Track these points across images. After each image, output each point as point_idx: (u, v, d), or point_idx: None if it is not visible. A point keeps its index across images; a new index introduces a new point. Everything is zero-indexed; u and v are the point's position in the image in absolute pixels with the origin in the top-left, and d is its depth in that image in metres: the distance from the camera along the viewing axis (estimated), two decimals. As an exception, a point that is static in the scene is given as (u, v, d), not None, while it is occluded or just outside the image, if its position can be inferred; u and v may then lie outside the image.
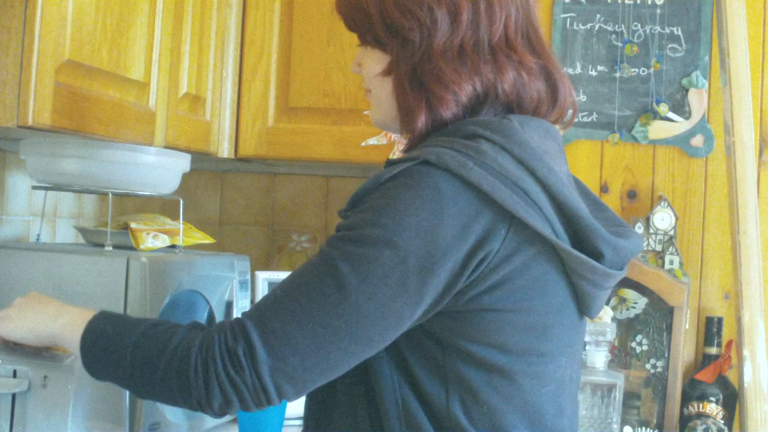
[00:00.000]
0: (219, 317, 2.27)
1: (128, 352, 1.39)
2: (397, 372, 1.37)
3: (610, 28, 2.59)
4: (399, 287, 1.31)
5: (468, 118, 1.41)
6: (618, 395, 2.41)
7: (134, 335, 1.40)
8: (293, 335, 1.31)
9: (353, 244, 1.33)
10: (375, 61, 1.47)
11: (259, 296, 2.51)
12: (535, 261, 1.36)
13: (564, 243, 1.36)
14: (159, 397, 1.40)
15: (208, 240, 2.37)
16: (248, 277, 2.38)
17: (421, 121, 1.41)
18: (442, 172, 1.32)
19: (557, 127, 1.49)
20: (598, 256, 1.39)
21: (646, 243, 2.56)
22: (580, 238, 1.38)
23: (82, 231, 2.28)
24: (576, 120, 2.59)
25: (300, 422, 2.41)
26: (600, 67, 2.59)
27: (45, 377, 1.67)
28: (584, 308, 1.44)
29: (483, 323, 1.35)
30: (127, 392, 1.85)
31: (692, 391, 2.50)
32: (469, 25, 1.41)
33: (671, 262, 2.54)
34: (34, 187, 2.19)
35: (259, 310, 1.35)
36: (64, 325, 1.51)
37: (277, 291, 1.36)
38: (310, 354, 1.31)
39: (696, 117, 2.56)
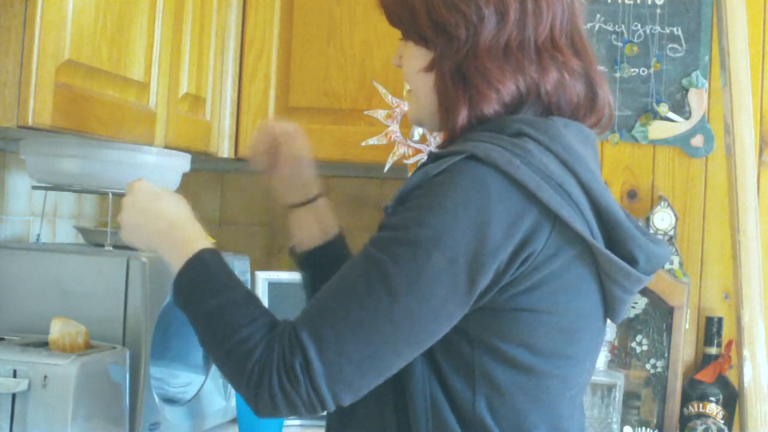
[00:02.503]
0: (219, 317, 2.26)
1: (205, 314, 1.41)
2: (428, 369, 1.37)
3: (610, 28, 2.59)
4: (450, 288, 1.31)
5: (509, 116, 1.41)
6: (618, 395, 2.41)
7: (217, 301, 1.40)
8: (347, 344, 1.30)
9: (402, 246, 1.31)
10: (417, 57, 1.46)
11: (259, 296, 2.50)
12: (574, 263, 1.36)
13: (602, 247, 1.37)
14: (217, 366, 1.41)
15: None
16: (248, 277, 2.38)
17: (462, 117, 1.41)
18: (489, 169, 1.32)
19: (595, 131, 1.49)
20: (632, 261, 1.40)
21: (646, 243, 2.56)
22: (616, 243, 1.39)
23: (82, 231, 2.28)
24: (576, 120, 2.59)
25: (299, 422, 2.41)
26: (600, 67, 2.59)
27: (45, 377, 1.67)
28: (611, 313, 1.45)
29: (517, 323, 1.35)
30: (127, 392, 1.85)
31: (692, 391, 2.50)
32: (516, 23, 1.41)
33: (671, 262, 2.54)
34: (34, 187, 2.19)
35: (312, 319, 1.33)
36: (167, 254, 1.55)
37: (327, 296, 1.34)
38: (365, 360, 1.31)
39: (696, 117, 2.56)
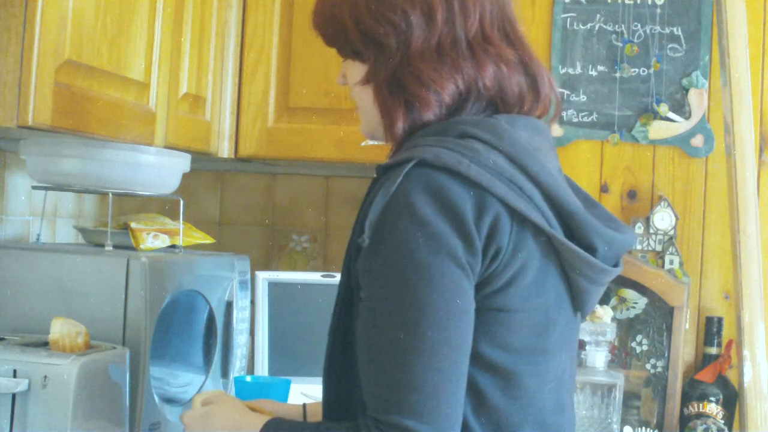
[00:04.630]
0: (219, 317, 2.27)
1: None
2: None
3: (610, 28, 2.59)
4: (459, 295, 1.31)
5: (452, 118, 1.41)
6: (618, 395, 2.41)
7: None
8: (433, 391, 1.30)
9: (394, 286, 1.31)
10: (356, 72, 1.48)
11: (259, 296, 2.50)
12: (537, 257, 1.36)
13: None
14: None
15: (208, 240, 2.37)
16: (248, 277, 2.38)
17: (402, 123, 1.41)
18: (440, 172, 1.32)
19: (544, 122, 1.49)
20: (592, 251, 1.40)
21: (646, 243, 2.56)
22: (574, 233, 1.39)
23: (82, 231, 2.28)
24: (576, 120, 2.59)
25: (300, 422, 2.41)
26: (600, 67, 2.59)
27: (45, 377, 1.67)
28: (579, 304, 1.45)
29: (491, 323, 1.35)
30: (127, 392, 1.85)
31: (692, 391, 2.50)
32: (445, 23, 1.41)
33: (671, 262, 2.54)
34: (34, 187, 2.19)
35: (384, 398, 1.31)
36: None
37: (374, 371, 1.32)
38: (450, 390, 1.31)
39: (696, 117, 2.56)
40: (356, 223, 1.39)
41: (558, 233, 1.37)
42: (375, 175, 1.40)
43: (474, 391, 1.35)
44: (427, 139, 1.38)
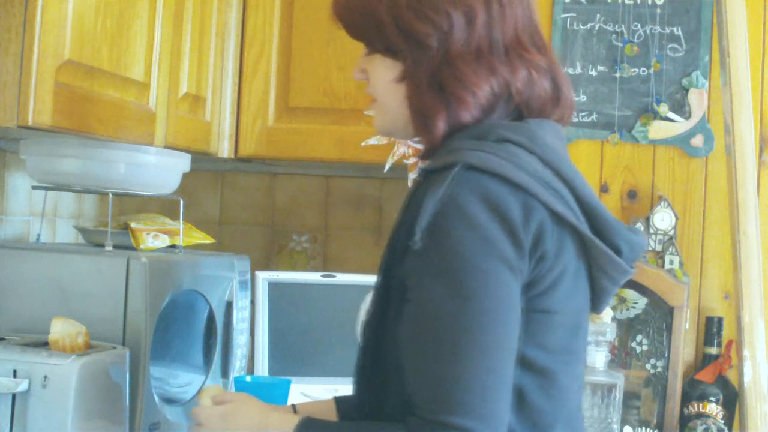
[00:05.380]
0: (219, 317, 2.27)
1: None
2: None
3: (610, 28, 2.59)
4: (509, 294, 1.34)
5: (485, 121, 1.42)
6: (618, 395, 2.41)
7: None
8: (486, 391, 1.31)
9: (452, 287, 1.32)
10: (386, 68, 1.47)
11: (259, 296, 2.50)
12: (574, 259, 1.40)
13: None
14: None
15: (208, 240, 2.37)
16: (248, 277, 2.38)
17: (442, 124, 1.42)
18: (488, 176, 1.34)
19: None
20: (618, 252, 1.44)
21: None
22: (600, 235, 1.42)
23: (82, 231, 2.28)
24: (576, 120, 2.59)
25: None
26: (600, 67, 2.59)
27: (45, 377, 1.67)
28: (597, 305, 1.49)
29: (533, 325, 1.38)
30: (127, 392, 1.85)
31: (692, 391, 2.50)
32: (484, 26, 1.43)
33: (671, 262, 2.54)
34: (34, 187, 2.19)
35: (438, 398, 1.32)
36: None
37: (427, 371, 1.33)
38: (501, 389, 1.33)
39: (696, 117, 2.56)
40: (401, 226, 1.39)
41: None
42: (420, 177, 1.41)
43: (515, 390, 1.37)
44: (468, 142, 1.39)
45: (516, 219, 1.33)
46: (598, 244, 1.40)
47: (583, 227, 1.39)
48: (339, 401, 1.66)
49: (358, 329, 1.50)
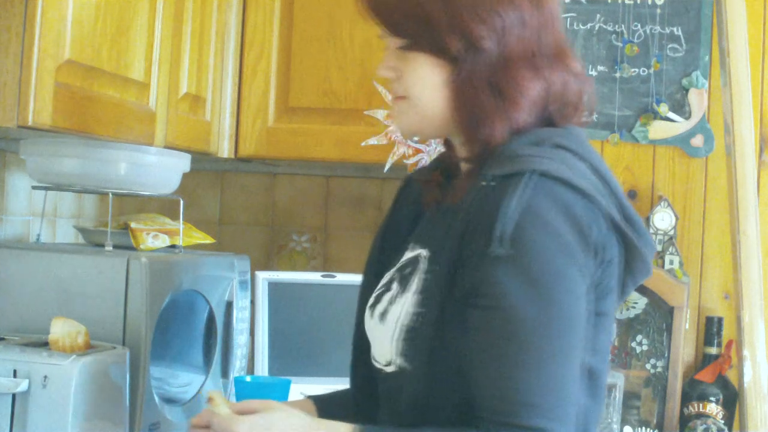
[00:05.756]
0: (219, 317, 2.27)
1: None
2: None
3: (610, 28, 2.59)
4: (582, 299, 1.37)
5: (530, 125, 1.44)
6: (618, 395, 2.41)
7: None
8: (564, 393, 1.34)
9: (536, 292, 1.34)
10: (430, 68, 1.44)
11: (259, 296, 2.50)
12: (620, 264, 1.44)
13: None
14: None
15: (208, 240, 2.37)
16: (248, 277, 2.38)
17: (499, 128, 1.41)
18: (559, 184, 1.36)
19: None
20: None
21: (646, 243, 2.56)
22: (636, 241, 1.46)
23: (82, 231, 2.28)
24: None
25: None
26: (600, 67, 2.59)
27: (45, 377, 1.67)
28: (617, 307, 1.58)
29: (590, 327, 1.40)
30: (127, 392, 1.85)
31: (692, 391, 2.50)
32: (535, 28, 1.43)
33: (671, 262, 2.54)
34: (34, 187, 2.19)
35: (518, 401, 1.33)
36: None
37: (504, 375, 1.34)
38: (574, 391, 1.36)
39: (696, 117, 2.56)
40: (472, 233, 1.37)
41: None
42: (485, 183, 1.39)
43: None
44: (530, 148, 1.40)
45: (586, 226, 1.36)
46: (640, 250, 1.43)
47: (631, 234, 1.42)
48: (318, 400, 1.64)
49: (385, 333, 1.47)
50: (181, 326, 2.17)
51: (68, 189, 2.15)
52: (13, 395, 1.66)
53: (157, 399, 2.00)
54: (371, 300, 1.55)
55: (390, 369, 1.46)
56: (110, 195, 2.09)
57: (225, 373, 2.29)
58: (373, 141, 2.42)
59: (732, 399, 2.48)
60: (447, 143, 1.57)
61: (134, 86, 2.02)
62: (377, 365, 1.51)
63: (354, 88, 2.54)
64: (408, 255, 1.53)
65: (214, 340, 2.27)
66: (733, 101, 2.43)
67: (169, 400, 2.08)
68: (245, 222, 2.94)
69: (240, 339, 2.33)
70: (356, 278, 2.53)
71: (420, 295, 1.43)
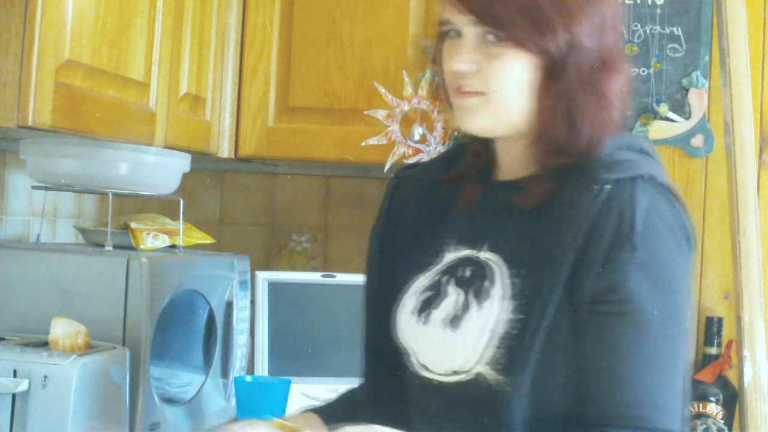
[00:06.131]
0: (219, 317, 2.27)
1: None
2: None
3: (610, 28, 2.59)
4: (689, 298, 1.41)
5: (627, 133, 1.48)
6: (618, 395, 2.41)
7: None
8: (681, 393, 1.37)
9: (669, 296, 1.37)
10: (521, 64, 1.39)
11: (259, 296, 2.50)
12: None
13: None
14: None
15: (208, 240, 2.37)
16: (248, 277, 2.38)
17: (600, 131, 1.41)
18: (664, 188, 1.38)
19: None
20: None
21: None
22: None
23: (82, 231, 2.28)
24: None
25: (300, 422, 2.41)
26: (600, 67, 2.59)
27: (45, 377, 1.67)
28: None
29: None
30: (127, 392, 1.85)
31: (692, 391, 2.50)
32: (621, 33, 1.46)
33: (671, 262, 2.54)
34: (34, 187, 2.19)
35: (655, 406, 1.34)
36: None
37: (644, 379, 1.35)
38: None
39: (696, 117, 2.56)
40: (599, 236, 1.35)
41: None
42: (601, 186, 1.38)
43: None
44: (627, 153, 1.41)
45: (690, 229, 1.40)
46: None
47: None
48: (322, 412, 1.56)
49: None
50: (181, 326, 2.17)
51: (68, 189, 2.15)
52: (13, 395, 1.66)
53: (157, 399, 2.00)
54: (415, 304, 1.48)
55: (458, 378, 1.41)
56: (110, 195, 2.10)
57: (225, 373, 2.29)
58: (373, 141, 2.42)
59: (732, 399, 2.48)
60: (480, 142, 1.52)
61: (134, 86, 2.02)
62: (426, 373, 1.45)
63: (354, 88, 2.54)
64: (452, 256, 1.48)
65: (214, 340, 2.27)
66: (733, 101, 2.43)
67: (169, 400, 2.08)
68: (245, 222, 2.94)
69: (240, 339, 2.33)
70: (356, 278, 2.52)
71: (514, 301, 1.39)
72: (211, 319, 2.25)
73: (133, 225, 2.16)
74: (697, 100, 2.56)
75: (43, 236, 2.29)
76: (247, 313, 2.38)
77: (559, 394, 1.36)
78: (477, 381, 1.39)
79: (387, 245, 1.58)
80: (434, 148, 2.39)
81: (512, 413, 1.36)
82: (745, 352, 2.38)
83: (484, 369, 1.38)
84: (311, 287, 2.57)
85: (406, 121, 2.43)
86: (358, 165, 2.63)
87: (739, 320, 2.40)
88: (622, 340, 1.34)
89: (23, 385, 1.66)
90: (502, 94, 1.41)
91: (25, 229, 2.38)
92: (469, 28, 1.40)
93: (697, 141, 2.56)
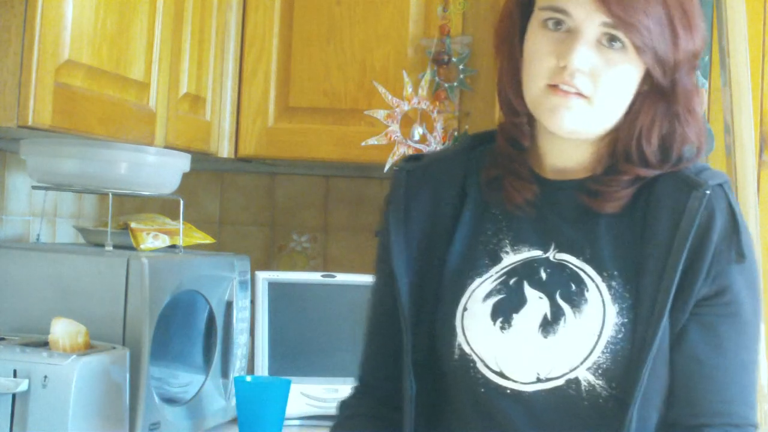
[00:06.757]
0: (219, 317, 2.27)
1: None
2: None
3: (610, 28, 2.58)
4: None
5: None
6: (618, 395, 2.40)
7: None
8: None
9: (759, 297, 1.43)
10: (635, 73, 1.39)
11: (259, 296, 2.50)
12: None
13: None
14: None
15: (208, 240, 2.37)
16: (248, 277, 2.38)
17: (702, 139, 1.45)
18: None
19: None
20: None
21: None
22: None
23: (82, 231, 2.28)
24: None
25: (300, 422, 2.41)
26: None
27: (45, 377, 1.67)
28: None
29: None
30: (127, 392, 1.85)
31: (692, 391, 2.49)
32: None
33: (671, 262, 2.53)
34: (34, 187, 2.19)
35: (752, 404, 1.40)
36: None
37: (744, 379, 1.40)
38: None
39: (696, 117, 2.56)
40: (707, 241, 1.38)
41: None
42: (700, 189, 1.40)
43: None
44: (701, 158, 1.45)
45: None
46: None
47: None
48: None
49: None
50: (181, 326, 2.17)
51: (68, 189, 2.15)
52: (13, 395, 1.66)
53: (157, 399, 2.00)
54: (485, 309, 1.42)
55: (542, 386, 1.38)
56: (110, 195, 2.09)
57: (225, 373, 2.29)
58: (373, 141, 2.42)
59: (732, 399, 2.47)
60: (510, 138, 1.48)
61: (134, 86, 2.02)
62: (503, 381, 1.40)
63: (354, 88, 2.54)
64: (513, 258, 1.44)
65: (214, 340, 2.27)
66: (733, 101, 2.43)
67: (169, 400, 2.08)
68: (245, 222, 2.94)
69: (240, 339, 2.33)
70: (356, 278, 2.53)
71: (616, 305, 1.38)
72: (211, 319, 2.25)
73: (133, 225, 2.16)
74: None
75: (43, 236, 2.29)
76: (247, 313, 2.38)
77: (661, 397, 1.38)
78: (567, 388, 1.38)
79: (411, 243, 1.49)
80: (434, 148, 2.39)
81: (621, 418, 1.35)
82: (745, 352, 2.38)
83: (581, 374, 1.37)
84: (311, 287, 2.56)
85: (406, 121, 2.43)
86: (358, 165, 2.63)
87: (739, 320, 2.40)
88: (725, 341, 1.38)
89: (23, 385, 1.66)
90: (608, 102, 1.39)
91: (25, 229, 2.38)
92: (593, 27, 1.36)
93: (697, 141, 2.56)
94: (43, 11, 1.65)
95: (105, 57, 1.87)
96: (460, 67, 2.48)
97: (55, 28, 1.70)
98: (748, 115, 2.43)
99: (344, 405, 1.57)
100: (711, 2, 2.54)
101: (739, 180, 2.41)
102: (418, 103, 2.42)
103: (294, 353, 2.50)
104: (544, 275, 1.42)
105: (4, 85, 1.64)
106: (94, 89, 1.86)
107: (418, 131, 2.41)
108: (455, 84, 2.48)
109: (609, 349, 1.36)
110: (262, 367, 2.47)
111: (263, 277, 2.53)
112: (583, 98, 1.37)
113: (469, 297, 1.43)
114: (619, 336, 1.37)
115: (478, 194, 1.49)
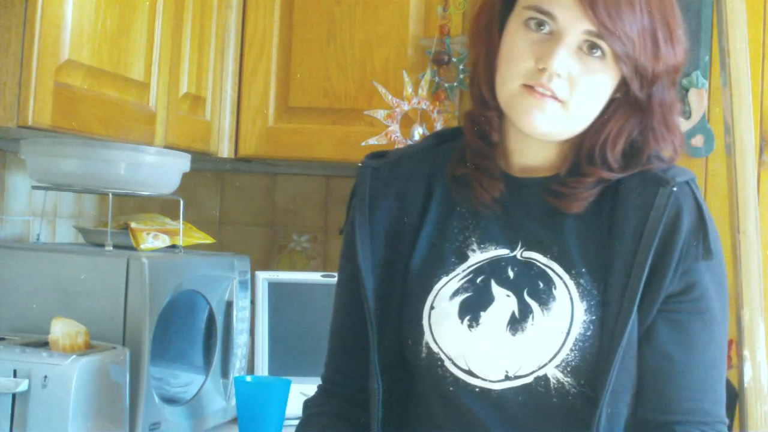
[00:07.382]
0: (219, 317, 2.27)
1: None
2: None
3: (610, 28, 2.58)
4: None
5: None
6: (618, 395, 2.40)
7: None
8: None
9: (726, 294, 1.43)
10: (611, 81, 1.40)
11: (259, 296, 2.50)
12: None
13: None
14: None
15: (208, 240, 2.37)
16: (248, 277, 2.38)
17: (679, 144, 1.47)
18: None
19: None
20: None
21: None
22: None
23: (82, 231, 2.28)
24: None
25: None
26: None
27: (45, 377, 1.67)
28: None
29: None
30: (127, 392, 1.85)
31: (692, 391, 2.49)
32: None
33: (671, 262, 2.53)
34: (34, 187, 2.19)
35: (723, 402, 1.41)
36: None
37: (716, 378, 1.41)
38: None
39: (696, 117, 2.56)
40: (674, 237, 1.38)
41: None
42: (671, 189, 1.41)
43: None
44: (663, 157, 1.46)
45: None
46: None
47: None
48: None
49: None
50: (181, 326, 2.17)
51: (68, 189, 2.15)
52: (13, 395, 1.66)
53: (157, 399, 2.00)
54: (452, 308, 1.42)
55: (511, 384, 1.38)
56: (110, 195, 2.09)
57: (225, 373, 2.29)
58: (373, 141, 2.42)
59: (732, 399, 2.47)
60: (489, 142, 1.47)
61: (134, 86, 2.02)
62: (472, 379, 1.40)
63: (354, 88, 2.54)
64: (479, 256, 1.44)
65: (214, 340, 2.27)
66: (733, 101, 2.43)
67: (169, 400, 2.08)
68: (245, 222, 2.94)
69: (240, 339, 2.33)
70: (356, 278, 2.53)
71: (584, 302, 1.38)
72: (211, 319, 2.25)
73: (133, 225, 2.16)
74: (697, 100, 2.56)
75: (43, 236, 2.29)
76: (247, 313, 2.38)
77: (630, 393, 1.38)
78: (536, 385, 1.38)
79: (377, 241, 1.49)
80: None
81: (590, 415, 1.35)
82: (745, 352, 2.38)
83: (550, 372, 1.37)
84: (311, 287, 2.56)
85: (406, 121, 2.43)
86: (358, 165, 2.63)
87: (739, 320, 2.40)
88: (694, 338, 1.37)
89: (23, 385, 1.66)
90: (582, 107, 1.39)
91: (25, 229, 2.38)
92: (576, 34, 1.36)
93: (698, 141, 2.56)
94: (43, 11, 1.65)
95: (105, 57, 1.87)
96: (460, 67, 2.48)
97: (55, 28, 1.70)
98: (748, 115, 2.43)
99: (309, 404, 1.57)
100: (711, 2, 2.54)
101: (739, 180, 2.41)
102: (418, 103, 2.42)
103: (294, 353, 2.50)
104: (511, 273, 1.41)
105: (4, 85, 1.64)
106: (94, 89, 1.86)
107: (418, 131, 2.41)
108: (455, 84, 2.48)
109: (577, 347, 1.37)
110: (262, 367, 2.47)
111: (263, 277, 2.53)
112: (558, 102, 1.37)
113: (436, 295, 1.43)
114: (588, 333, 1.37)
115: (445, 191, 1.48)
